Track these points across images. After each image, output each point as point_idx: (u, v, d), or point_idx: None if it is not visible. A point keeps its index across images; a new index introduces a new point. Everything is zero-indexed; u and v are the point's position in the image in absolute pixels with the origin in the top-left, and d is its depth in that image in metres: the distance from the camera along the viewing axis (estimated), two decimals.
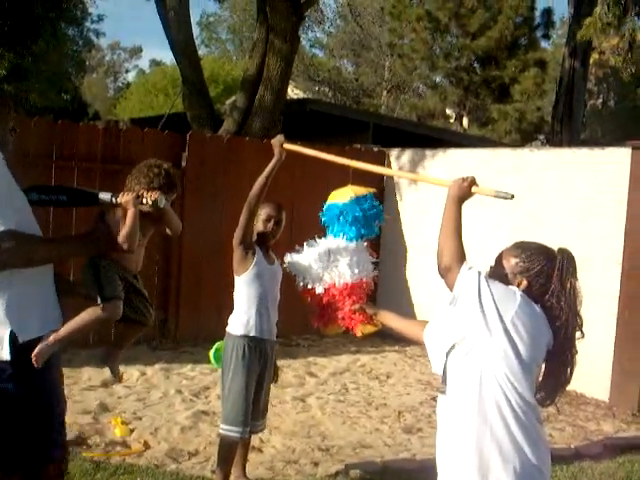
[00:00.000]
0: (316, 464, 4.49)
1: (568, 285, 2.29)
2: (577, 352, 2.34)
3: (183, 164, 7.22)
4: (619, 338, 6.15)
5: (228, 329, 3.88)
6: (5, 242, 2.31)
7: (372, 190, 3.54)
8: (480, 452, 2.20)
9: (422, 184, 7.70)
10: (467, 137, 14.06)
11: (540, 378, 2.33)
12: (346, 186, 3.51)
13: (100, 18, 22.17)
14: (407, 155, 8.55)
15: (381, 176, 8.22)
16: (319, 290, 3.38)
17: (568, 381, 2.36)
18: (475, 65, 21.48)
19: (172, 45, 9.09)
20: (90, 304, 2.66)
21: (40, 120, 7.27)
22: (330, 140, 8.95)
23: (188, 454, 4.51)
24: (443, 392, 2.37)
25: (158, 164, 2.84)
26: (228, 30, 34.97)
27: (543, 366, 2.33)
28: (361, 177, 3.49)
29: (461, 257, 2.27)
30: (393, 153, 8.70)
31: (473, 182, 2.39)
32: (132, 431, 4.81)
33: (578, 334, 2.33)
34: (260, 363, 3.85)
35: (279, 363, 4.32)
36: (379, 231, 3.61)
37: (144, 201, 2.64)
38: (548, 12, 20.07)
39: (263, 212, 3.83)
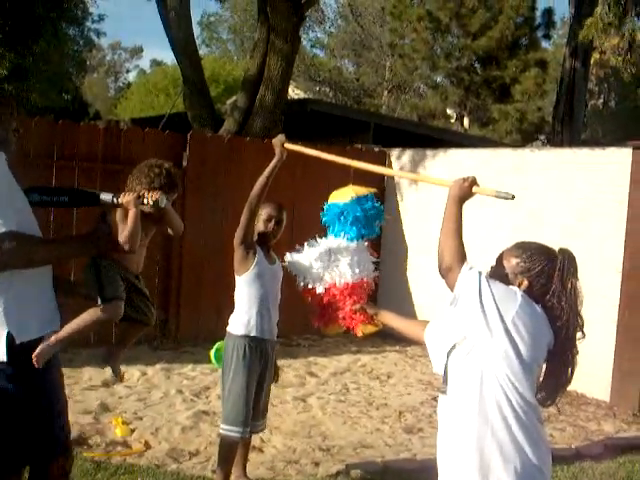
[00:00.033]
0: (317, 464, 4.49)
1: (569, 285, 2.29)
2: (578, 352, 2.34)
3: (184, 164, 7.22)
4: (620, 338, 6.15)
5: (229, 329, 3.88)
6: (6, 243, 2.31)
7: (373, 190, 3.54)
8: (481, 452, 2.21)
9: (423, 184, 7.70)
10: (468, 137, 14.06)
11: (541, 378, 2.33)
12: (347, 186, 3.51)
13: (101, 18, 22.20)
14: (408, 155, 8.56)
15: (382, 176, 8.22)
16: (320, 290, 3.38)
17: (569, 381, 2.36)
18: (476, 65, 21.49)
19: (173, 45, 9.09)
20: (91, 304, 2.67)
21: (41, 120, 7.28)
22: (331, 140, 8.96)
23: (189, 454, 4.51)
24: (444, 392, 2.37)
25: (159, 164, 2.84)
26: (229, 30, 35.00)
27: (544, 366, 2.33)
28: (362, 177, 3.50)
29: (462, 257, 2.27)
30: (394, 153, 8.70)
31: (474, 182, 2.39)
32: (133, 431, 4.82)
33: (579, 334, 2.33)
34: (261, 363, 3.85)
35: (280, 363, 4.32)
36: (380, 231, 3.60)
37: (145, 201, 2.64)
38: (549, 12, 20.09)
39: (264, 212, 3.83)
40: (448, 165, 7.95)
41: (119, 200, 2.62)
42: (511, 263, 2.34)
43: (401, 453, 4.81)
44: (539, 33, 20.74)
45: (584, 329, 2.34)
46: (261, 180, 3.62)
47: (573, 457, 4.78)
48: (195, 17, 35.39)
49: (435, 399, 5.45)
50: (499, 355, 2.21)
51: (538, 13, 20.64)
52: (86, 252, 2.70)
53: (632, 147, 6.24)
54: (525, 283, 2.30)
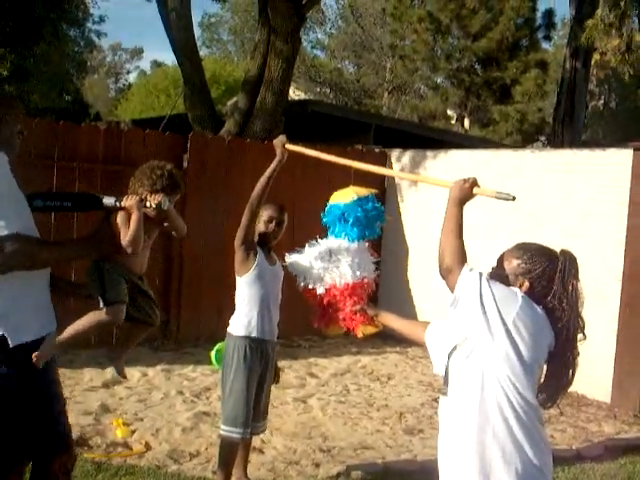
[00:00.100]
0: (317, 465, 4.49)
1: (570, 287, 2.29)
2: (579, 354, 2.34)
3: (184, 165, 7.22)
4: (620, 339, 6.15)
5: (229, 330, 3.88)
6: (9, 245, 2.32)
7: (374, 191, 3.54)
8: (482, 453, 2.20)
9: (423, 185, 7.70)
10: (468, 138, 14.06)
11: (542, 380, 2.33)
12: (348, 187, 3.51)
13: (101, 19, 22.22)
14: (408, 156, 8.56)
15: (383, 177, 8.23)
16: (320, 290, 3.38)
17: (570, 383, 2.35)
18: (476, 66, 21.49)
19: (173, 46, 9.09)
20: (92, 306, 2.67)
21: (41, 121, 7.28)
22: (331, 141, 8.95)
23: (189, 455, 4.51)
24: (445, 393, 2.37)
25: (161, 166, 2.84)
26: (229, 31, 35.04)
27: (545, 368, 2.33)
28: (363, 178, 3.51)
29: (462, 258, 2.27)
30: (394, 154, 8.70)
31: (474, 183, 2.39)
32: (133, 432, 4.81)
33: (580, 336, 2.33)
34: (261, 364, 3.85)
35: (280, 364, 4.32)
36: (380, 232, 3.60)
37: (148, 204, 2.64)
38: (549, 13, 20.10)
39: (265, 213, 3.83)
40: (448, 166, 7.95)
41: (122, 203, 2.62)
42: (512, 264, 2.34)
43: (402, 454, 4.81)
44: (540, 34, 20.75)
45: (585, 330, 2.34)
46: (262, 181, 3.62)
47: (574, 458, 4.77)
48: (196, 18, 35.22)
49: (436, 400, 5.46)
50: (500, 356, 2.21)
51: (539, 14, 20.67)
52: (88, 254, 2.70)
53: (633, 148, 6.23)
54: (526, 284, 2.30)
